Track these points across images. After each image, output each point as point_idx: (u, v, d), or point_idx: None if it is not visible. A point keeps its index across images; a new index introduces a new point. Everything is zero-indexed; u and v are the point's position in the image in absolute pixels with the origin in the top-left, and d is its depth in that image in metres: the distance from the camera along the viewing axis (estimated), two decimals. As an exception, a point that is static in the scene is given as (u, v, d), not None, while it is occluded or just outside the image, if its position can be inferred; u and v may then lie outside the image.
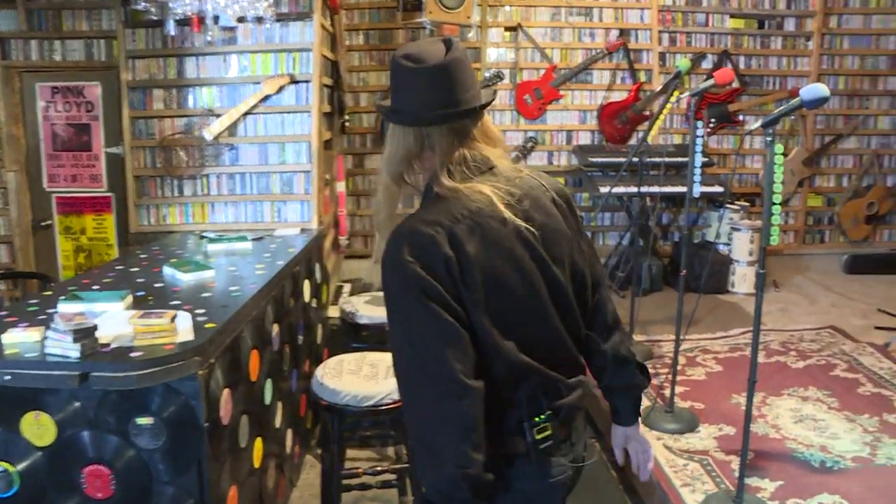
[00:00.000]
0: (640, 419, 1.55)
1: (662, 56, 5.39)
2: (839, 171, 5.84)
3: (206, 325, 1.94)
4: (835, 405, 3.31)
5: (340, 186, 4.53)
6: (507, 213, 1.27)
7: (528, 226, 1.29)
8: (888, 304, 4.81)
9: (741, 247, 5.02)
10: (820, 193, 5.85)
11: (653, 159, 4.97)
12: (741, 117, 5.52)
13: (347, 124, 4.56)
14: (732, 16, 5.44)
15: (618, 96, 5.37)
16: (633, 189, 4.43)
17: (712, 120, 5.42)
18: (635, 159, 4.43)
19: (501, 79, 5.18)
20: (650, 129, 3.45)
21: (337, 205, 4.50)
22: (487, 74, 5.20)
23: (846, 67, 5.68)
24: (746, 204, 5.27)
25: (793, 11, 5.49)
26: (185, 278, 2.53)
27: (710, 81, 3.18)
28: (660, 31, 5.35)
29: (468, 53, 1.35)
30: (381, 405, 2.27)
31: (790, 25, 5.54)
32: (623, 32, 5.33)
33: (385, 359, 2.53)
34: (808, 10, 5.51)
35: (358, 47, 5.23)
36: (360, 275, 5.09)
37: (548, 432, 1.32)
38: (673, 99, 3.34)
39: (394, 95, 1.34)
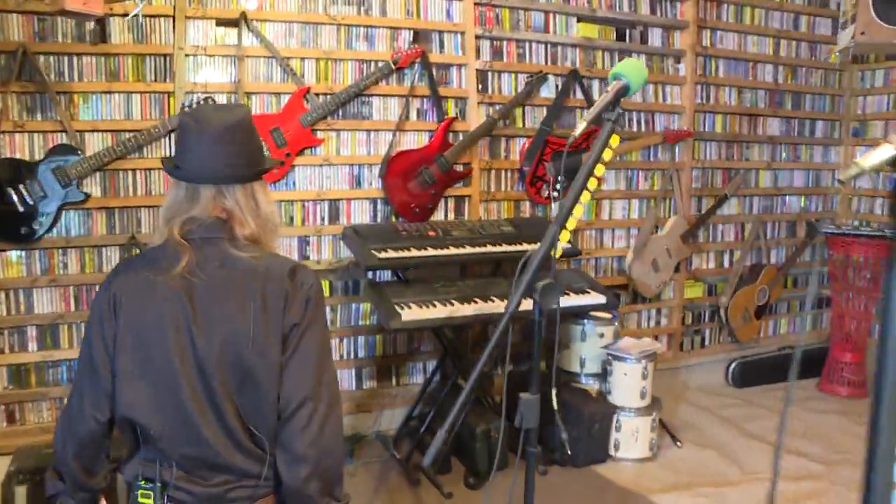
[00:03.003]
0: None
1: (483, 76, 4.12)
2: (720, 246, 5.06)
3: None
4: None
5: None
6: (177, 280, 1.59)
7: (189, 298, 1.59)
8: (829, 443, 3.96)
9: (628, 386, 3.83)
10: (699, 279, 5.00)
11: (505, 249, 3.60)
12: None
13: None
14: (581, 19, 4.36)
15: (413, 140, 3.98)
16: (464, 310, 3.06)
17: (560, 178, 4.26)
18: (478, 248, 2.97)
19: (211, 110, 3.51)
20: (571, 209, 1.88)
21: None
22: (186, 103, 3.50)
23: (723, 103, 4.92)
24: (616, 314, 4.15)
25: (659, 20, 4.57)
26: None
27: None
28: (478, 36, 4.07)
29: (245, 126, 1.69)
30: None
31: (656, 40, 4.62)
32: (420, 36, 3.95)
33: None
34: (678, 19, 4.64)
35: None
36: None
37: (149, 501, 1.60)
38: (614, 144, 1.92)
39: None
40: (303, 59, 3.70)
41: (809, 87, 5.29)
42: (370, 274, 3.67)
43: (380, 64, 3.82)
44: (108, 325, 1.61)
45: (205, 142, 1.61)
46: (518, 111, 4.21)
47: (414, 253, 3.42)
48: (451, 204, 4.11)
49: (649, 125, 4.63)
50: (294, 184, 3.73)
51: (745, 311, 5.02)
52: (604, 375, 3.99)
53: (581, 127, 1.81)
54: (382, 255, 3.35)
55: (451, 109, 4.05)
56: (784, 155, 5.26)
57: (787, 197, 5.32)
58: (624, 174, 4.58)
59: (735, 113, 4.96)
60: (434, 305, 3.21)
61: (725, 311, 4.94)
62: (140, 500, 1.60)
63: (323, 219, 3.82)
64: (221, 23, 3.55)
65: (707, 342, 5.09)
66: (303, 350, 1.63)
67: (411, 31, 3.93)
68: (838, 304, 4.98)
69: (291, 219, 3.74)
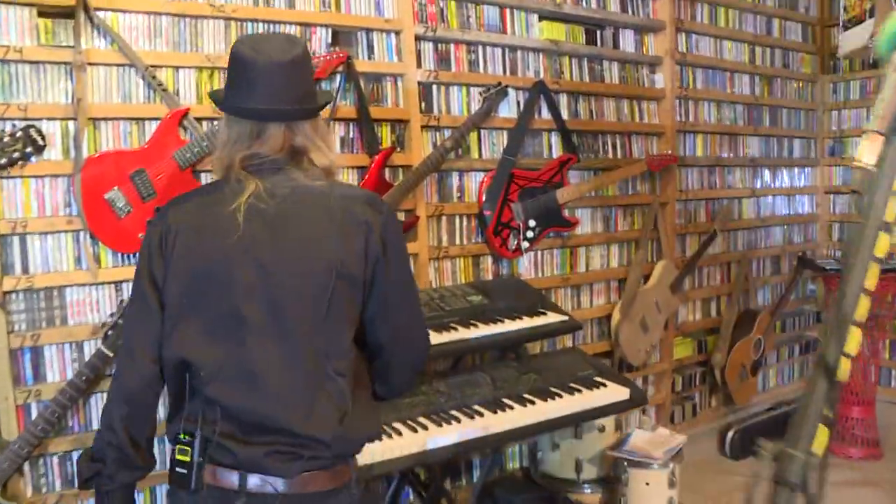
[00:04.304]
0: None
1: (426, 90, 3.08)
2: (706, 292, 4.22)
3: None
4: None
5: None
6: (243, 208, 1.45)
7: (260, 228, 1.46)
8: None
9: (653, 500, 2.84)
10: (687, 335, 4.13)
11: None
12: (569, 212, 3.48)
13: None
14: (544, 16, 3.42)
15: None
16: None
17: (531, 223, 3.27)
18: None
19: (36, 147, 2.30)
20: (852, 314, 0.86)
21: None
22: (-11, 133, 2.27)
23: (702, 121, 4.11)
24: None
25: (631, 19, 3.70)
26: None
27: None
28: (418, 37, 3.04)
29: (306, 58, 1.56)
30: None
31: (628, 44, 3.74)
32: (340, 37, 2.89)
33: None
34: (651, 19, 3.79)
35: None
36: None
37: (185, 458, 1.42)
38: None
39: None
40: (176, 68, 2.52)
41: (785, 100, 4.60)
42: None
43: (288, 75, 2.72)
44: (157, 261, 1.49)
45: (272, 75, 1.49)
46: (472, 136, 3.21)
47: (358, 348, 2.31)
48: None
49: (626, 149, 3.73)
50: (170, 252, 2.56)
51: (742, 368, 4.20)
52: (605, 482, 3.02)
53: (870, 149, 0.83)
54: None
55: (387, 136, 3.00)
56: (766, 179, 4.52)
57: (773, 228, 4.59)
58: (601, 213, 3.66)
59: (715, 132, 4.16)
60: (399, 433, 2.11)
61: (722, 371, 4.09)
62: (177, 456, 1.44)
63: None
64: (48, 12, 2.33)
65: (698, 408, 4.22)
66: (393, 285, 1.56)
67: (329, 30, 2.85)
68: (838, 351, 4.25)
69: (168, 303, 2.57)
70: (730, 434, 4.16)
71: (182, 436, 1.44)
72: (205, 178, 2.57)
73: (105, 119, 2.41)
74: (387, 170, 2.93)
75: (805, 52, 4.72)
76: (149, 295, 1.48)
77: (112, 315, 2.37)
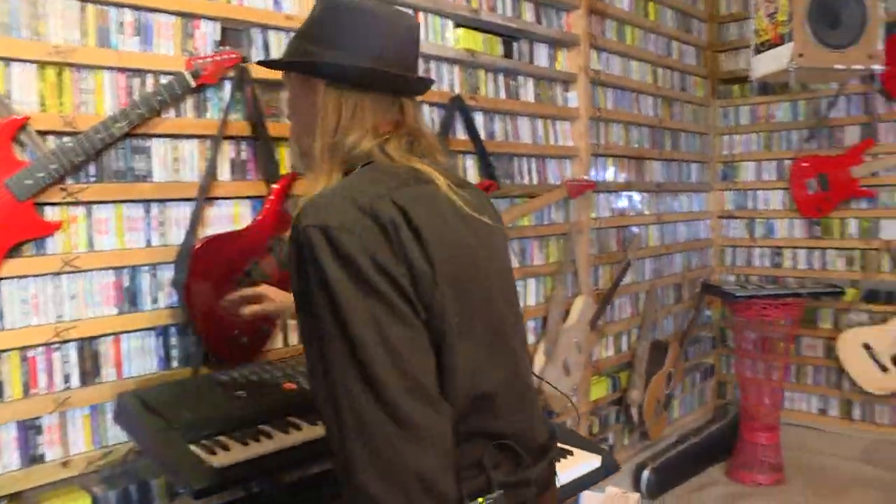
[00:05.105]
0: None
1: (329, 106, 2.55)
2: (617, 326, 3.91)
3: None
4: None
5: None
6: (453, 196, 1.18)
7: (473, 230, 1.20)
8: None
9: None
10: (601, 373, 3.80)
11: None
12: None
13: None
14: (460, 24, 2.97)
15: (228, 215, 2.27)
16: None
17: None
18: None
19: None
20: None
21: None
22: None
23: (613, 143, 3.81)
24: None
25: (545, 31, 3.33)
26: None
27: None
28: (322, 43, 2.50)
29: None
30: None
31: (542, 58, 3.37)
32: (230, 35, 2.29)
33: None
34: (565, 32, 3.44)
35: None
36: None
37: None
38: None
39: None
40: (8, 60, 1.83)
41: (683, 124, 4.43)
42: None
43: (165, 79, 2.09)
44: (398, 269, 1.06)
45: (410, 42, 1.28)
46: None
47: (279, 441, 1.72)
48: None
49: (541, 175, 3.35)
50: None
51: (658, 403, 3.93)
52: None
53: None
54: (218, 456, 1.61)
55: (287, 159, 2.43)
56: (668, 204, 4.31)
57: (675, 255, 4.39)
58: (516, 245, 3.24)
59: (625, 156, 3.89)
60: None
61: (639, 408, 3.79)
62: None
63: (68, 378, 1.92)
64: None
65: (614, 449, 3.89)
66: None
67: (217, 24, 2.25)
68: (744, 376, 4.10)
69: (0, 386, 1.85)
70: (645, 473, 3.88)
71: (482, 499, 1.09)
72: (50, 213, 1.89)
73: None
74: (290, 200, 2.35)
75: (698, 75, 4.60)
76: (409, 315, 1.06)
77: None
